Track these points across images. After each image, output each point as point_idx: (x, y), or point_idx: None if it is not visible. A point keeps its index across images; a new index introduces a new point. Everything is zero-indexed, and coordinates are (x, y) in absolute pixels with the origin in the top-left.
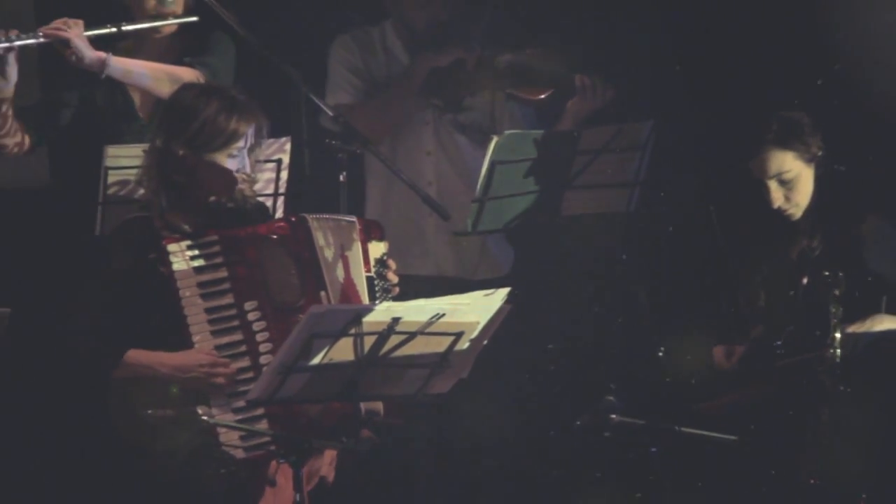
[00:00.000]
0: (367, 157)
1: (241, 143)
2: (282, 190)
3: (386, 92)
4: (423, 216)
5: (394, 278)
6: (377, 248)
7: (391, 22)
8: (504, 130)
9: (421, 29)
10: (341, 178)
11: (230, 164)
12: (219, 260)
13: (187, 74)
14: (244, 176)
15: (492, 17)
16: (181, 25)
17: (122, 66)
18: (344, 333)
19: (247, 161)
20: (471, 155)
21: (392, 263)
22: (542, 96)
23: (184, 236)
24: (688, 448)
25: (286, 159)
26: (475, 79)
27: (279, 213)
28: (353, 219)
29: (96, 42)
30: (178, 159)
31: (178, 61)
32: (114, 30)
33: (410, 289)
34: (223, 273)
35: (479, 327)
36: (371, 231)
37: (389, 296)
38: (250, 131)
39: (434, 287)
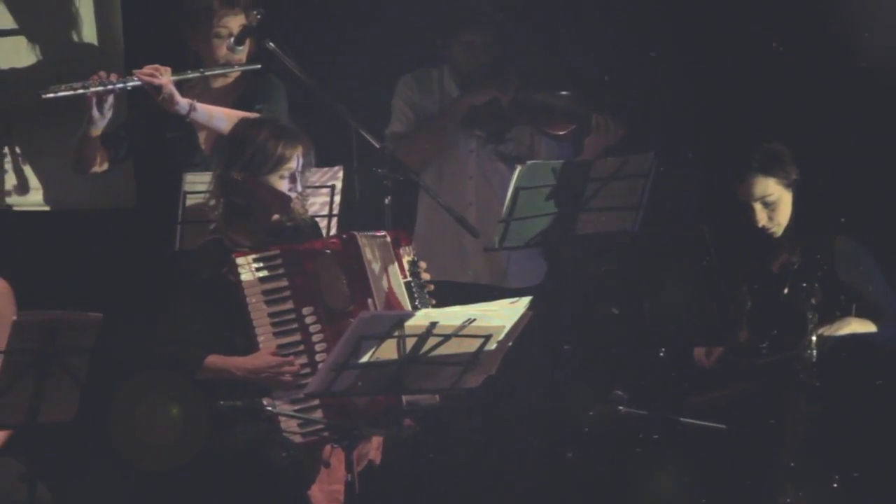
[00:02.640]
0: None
1: (291, 165)
2: (335, 211)
3: (430, 124)
4: (462, 233)
5: (426, 276)
6: (407, 253)
7: (448, 66)
8: (539, 160)
9: (467, 70)
10: (386, 201)
11: (283, 185)
12: (280, 271)
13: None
14: (297, 196)
15: (529, 60)
16: (242, 72)
17: (206, 111)
18: (388, 335)
19: (299, 183)
20: (508, 180)
21: (423, 263)
22: (564, 132)
23: (250, 251)
24: (685, 435)
25: (339, 185)
26: (510, 115)
27: (333, 231)
28: (384, 233)
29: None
30: (236, 183)
31: (239, 103)
32: (197, 74)
33: (450, 293)
34: (284, 283)
35: (505, 331)
36: (400, 240)
37: (425, 291)
38: (299, 154)
39: (468, 293)
